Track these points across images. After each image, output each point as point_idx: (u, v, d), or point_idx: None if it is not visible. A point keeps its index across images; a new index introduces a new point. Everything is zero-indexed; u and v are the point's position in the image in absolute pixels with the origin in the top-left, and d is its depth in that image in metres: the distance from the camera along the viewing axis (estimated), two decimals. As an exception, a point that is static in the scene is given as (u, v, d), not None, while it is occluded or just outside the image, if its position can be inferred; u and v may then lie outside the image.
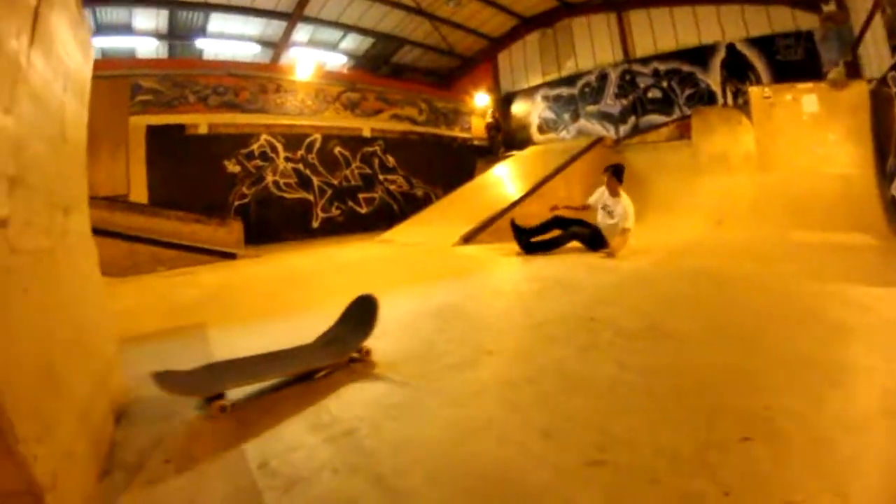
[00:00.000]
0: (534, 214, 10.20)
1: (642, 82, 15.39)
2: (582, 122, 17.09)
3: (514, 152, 16.31)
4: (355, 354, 3.37)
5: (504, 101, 19.35)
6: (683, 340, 3.42)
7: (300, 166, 14.06)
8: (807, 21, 12.01)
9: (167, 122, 11.95)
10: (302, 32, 16.51)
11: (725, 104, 13.31)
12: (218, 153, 12.65)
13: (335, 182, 14.77)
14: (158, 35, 15.18)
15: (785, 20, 12.48)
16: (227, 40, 16.04)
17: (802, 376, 2.70)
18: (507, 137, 18.93)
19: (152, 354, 3.73)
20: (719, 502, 1.68)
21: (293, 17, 15.60)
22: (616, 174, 7.59)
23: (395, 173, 16.20)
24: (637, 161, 11.72)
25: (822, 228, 7.38)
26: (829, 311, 3.81)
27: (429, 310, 4.59)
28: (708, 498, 1.70)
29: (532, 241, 7.67)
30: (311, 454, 2.22)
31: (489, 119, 18.80)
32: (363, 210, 15.32)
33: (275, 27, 15.96)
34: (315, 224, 14.25)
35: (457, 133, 18.39)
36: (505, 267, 7.00)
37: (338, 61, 18.04)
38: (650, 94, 15.26)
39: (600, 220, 7.60)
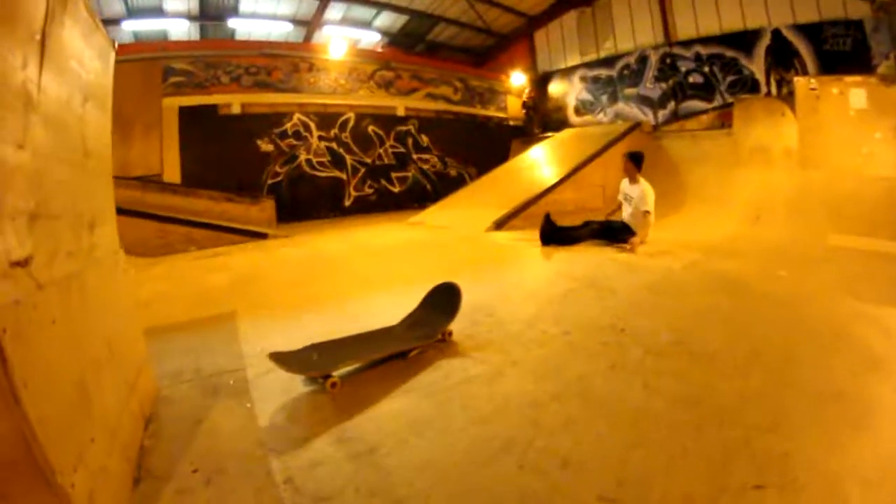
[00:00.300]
0: (568, 201, 10.11)
1: (683, 66, 14.88)
2: (620, 105, 16.68)
3: (549, 134, 16.06)
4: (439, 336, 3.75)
5: (540, 81, 18.97)
6: (712, 362, 3.33)
7: (333, 145, 14.11)
8: (858, 9, 11.32)
9: (200, 103, 12.08)
10: (335, 10, 16.27)
11: (769, 93, 12.81)
12: (251, 133, 12.76)
13: (368, 161, 14.80)
14: (190, 16, 15.11)
15: (835, 7, 11.78)
16: (260, 19, 15.89)
17: (827, 414, 2.63)
18: (542, 118, 18.65)
19: (181, 349, 3.80)
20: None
21: (326, -6, 15.49)
22: (634, 160, 7.47)
23: (428, 153, 16.17)
24: (675, 149, 11.45)
25: (861, 234, 7.07)
26: (860, 337, 3.67)
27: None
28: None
29: (552, 235, 7.52)
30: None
31: (525, 98, 18.51)
32: (396, 189, 15.35)
33: (307, 5, 15.77)
34: (347, 203, 14.35)
35: (492, 112, 18.18)
36: (536, 261, 6.89)
37: (372, 39, 17.81)
38: (691, 79, 14.77)
39: (623, 210, 7.50)
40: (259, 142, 12.83)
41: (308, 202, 13.43)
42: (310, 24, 16.21)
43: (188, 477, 2.21)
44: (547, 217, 7.60)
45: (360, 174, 14.58)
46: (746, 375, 3.10)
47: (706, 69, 14.36)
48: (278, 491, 2.13)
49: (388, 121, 15.26)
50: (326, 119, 13.97)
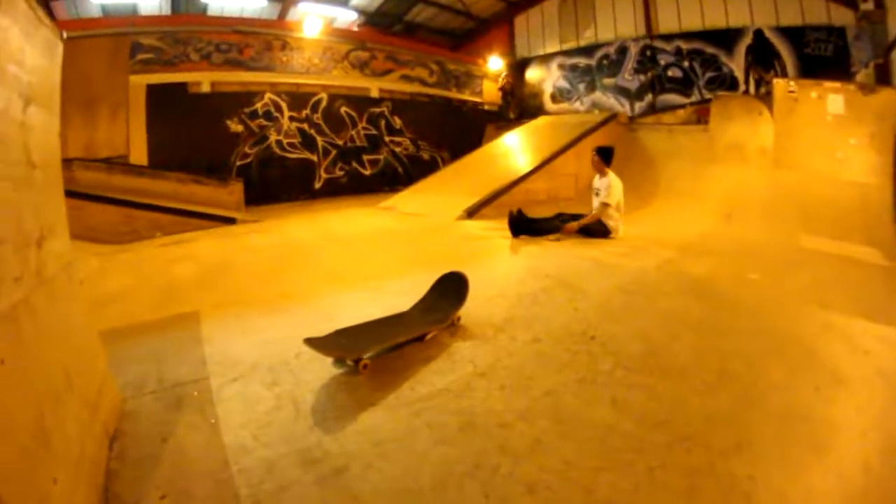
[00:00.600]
0: (541, 190, 10.06)
1: (663, 59, 14.99)
2: (597, 94, 16.75)
3: (525, 120, 15.93)
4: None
5: (518, 67, 18.90)
6: (682, 377, 3.32)
7: (305, 126, 13.86)
8: (841, 16, 11.55)
9: (169, 81, 11.65)
10: (312, -14, 15.94)
11: (747, 92, 12.99)
12: (221, 112, 12.42)
13: (340, 143, 14.60)
14: (162, -10, 14.66)
15: (819, 12, 12.01)
16: (233, -5, 15.45)
17: (791, 436, 2.68)
18: (519, 103, 18.60)
19: (144, 354, 3.67)
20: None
21: (303, -31, 15.06)
22: (601, 155, 7.57)
23: (401, 135, 16.02)
24: (650, 142, 11.46)
25: (832, 236, 7.18)
26: (828, 352, 3.74)
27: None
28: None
29: (523, 226, 7.49)
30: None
31: (502, 82, 18.42)
32: (367, 172, 15.19)
33: (283, -20, 15.40)
34: (318, 185, 14.16)
35: (467, 97, 18.06)
36: (507, 256, 6.78)
37: (348, 18, 17.39)
38: (670, 73, 14.91)
39: (593, 203, 7.52)
40: (229, 122, 12.49)
41: (278, 184, 13.15)
42: (284, 1, 15.72)
43: (157, 504, 2.12)
44: (518, 210, 7.56)
45: (331, 156, 14.36)
46: (715, 393, 3.11)
47: (686, 64, 14.50)
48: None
49: (361, 102, 15.03)
50: (298, 99, 13.68)
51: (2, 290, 1.62)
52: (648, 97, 15.35)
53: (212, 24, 13.05)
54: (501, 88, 18.52)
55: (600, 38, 16.59)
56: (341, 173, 14.57)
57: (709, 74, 14.01)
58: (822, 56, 11.88)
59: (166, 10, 14.97)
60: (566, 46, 17.55)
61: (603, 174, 7.50)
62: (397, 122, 15.84)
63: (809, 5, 12.15)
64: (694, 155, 10.39)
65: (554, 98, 18.03)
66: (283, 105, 13.37)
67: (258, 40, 13.08)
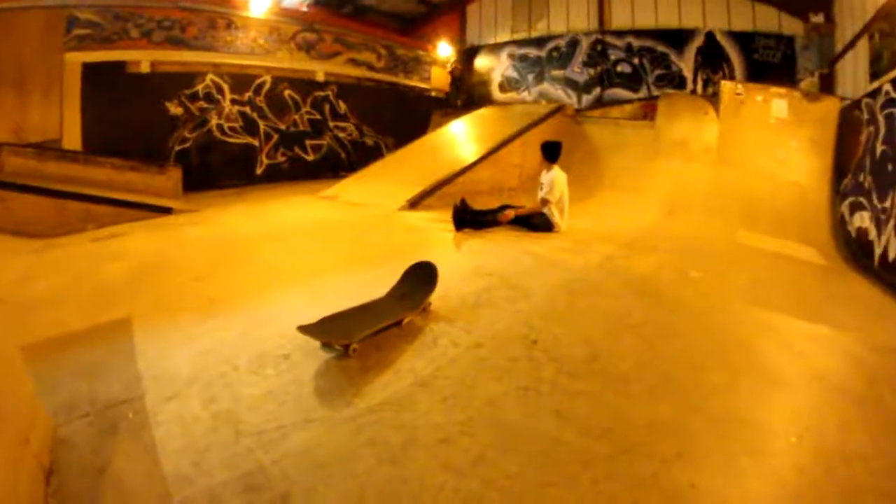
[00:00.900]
0: (484, 180, 9.96)
1: (613, 55, 15.20)
2: (545, 85, 16.81)
3: (472, 108, 15.79)
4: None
5: (467, 54, 18.75)
6: (624, 383, 3.38)
7: (247, 109, 13.33)
8: (791, 26, 12.07)
9: (106, 60, 10.91)
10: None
11: (695, 91, 13.33)
12: (160, 94, 11.75)
13: (283, 127, 14.15)
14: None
15: (769, 20, 12.48)
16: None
17: (731, 442, 2.78)
18: (467, 90, 18.52)
19: (74, 370, 3.45)
20: None
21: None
22: (544, 151, 7.67)
23: (345, 120, 15.65)
24: (596, 135, 11.59)
25: (770, 233, 7.43)
26: (766, 353, 3.91)
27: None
28: None
29: (467, 218, 7.40)
30: None
31: (450, 67, 18.30)
32: (310, 157, 14.80)
33: (230, -46, 14.73)
34: (259, 170, 13.69)
35: (415, 83, 17.75)
36: (450, 251, 6.64)
37: (297, -3, 16.90)
38: (619, 68, 15.12)
39: (538, 196, 7.60)
40: (168, 104, 11.84)
41: (218, 170, 12.63)
42: (232, -23, 15.17)
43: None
44: (462, 201, 7.46)
45: (273, 141, 13.89)
46: (657, 398, 3.17)
47: (636, 60, 14.75)
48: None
49: (305, 85, 14.57)
50: (241, 81, 13.11)
51: None
52: (596, 91, 15.53)
53: (155, -2, 12.35)
54: (451, 73, 18.37)
55: (553, 31, 16.63)
56: (283, 159, 14.13)
57: (658, 72, 14.29)
58: (770, 62, 12.35)
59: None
60: (517, 36, 17.51)
61: (548, 169, 7.57)
62: (342, 106, 15.45)
63: (761, 13, 12.59)
64: (639, 150, 10.57)
65: (502, 87, 17.99)
66: (226, 87, 12.80)
67: (202, 17, 12.39)
